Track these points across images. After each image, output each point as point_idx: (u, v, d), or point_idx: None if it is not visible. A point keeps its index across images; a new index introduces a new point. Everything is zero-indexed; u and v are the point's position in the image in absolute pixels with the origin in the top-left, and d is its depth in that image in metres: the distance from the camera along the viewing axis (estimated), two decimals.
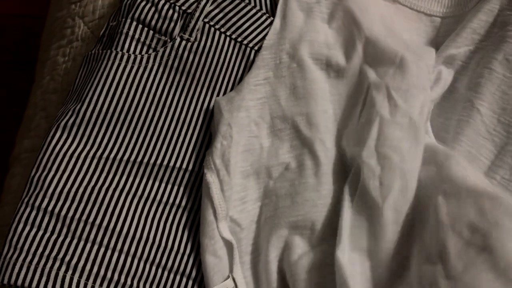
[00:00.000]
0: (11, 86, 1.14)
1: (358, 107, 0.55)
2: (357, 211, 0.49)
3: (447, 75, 0.58)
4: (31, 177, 0.47)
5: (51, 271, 0.43)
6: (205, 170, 0.50)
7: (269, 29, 0.57)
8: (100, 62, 0.52)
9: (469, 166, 0.50)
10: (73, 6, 0.70)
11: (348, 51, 0.57)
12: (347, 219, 0.49)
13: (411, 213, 0.49)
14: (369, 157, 0.49)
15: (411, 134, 0.50)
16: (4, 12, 1.20)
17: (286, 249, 0.49)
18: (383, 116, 0.51)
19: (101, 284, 0.44)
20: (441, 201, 0.46)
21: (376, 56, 0.56)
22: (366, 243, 0.48)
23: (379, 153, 0.50)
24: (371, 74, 0.55)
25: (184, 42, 0.54)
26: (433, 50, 0.58)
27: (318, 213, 0.51)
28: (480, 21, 0.58)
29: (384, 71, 0.54)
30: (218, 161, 0.49)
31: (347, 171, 0.54)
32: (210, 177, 0.49)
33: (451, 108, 0.58)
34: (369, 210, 0.49)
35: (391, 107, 0.51)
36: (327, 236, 0.51)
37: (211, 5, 0.56)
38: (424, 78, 0.54)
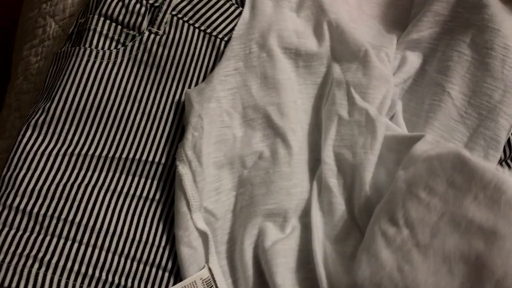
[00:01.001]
0: None
1: (324, 99, 0.56)
2: (322, 208, 0.52)
3: (414, 58, 0.58)
4: (2, 176, 0.47)
5: (24, 269, 0.42)
6: (177, 162, 0.49)
7: (238, 19, 0.57)
8: (69, 59, 0.52)
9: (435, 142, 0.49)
10: (44, 5, 0.69)
11: (317, 40, 0.57)
12: (316, 216, 0.51)
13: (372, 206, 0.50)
14: (328, 157, 0.52)
15: (368, 129, 0.52)
16: (6, 15, 1.21)
17: (260, 235, 0.49)
18: (341, 116, 0.53)
19: (75, 280, 0.44)
20: (400, 173, 0.47)
21: (342, 49, 0.56)
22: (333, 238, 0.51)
23: (335, 153, 0.52)
24: (336, 69, 0.56)
25: (152, 36, 0.54)
26: (394, 38, 0.59)
27: (291, 202, 0.51)
28: (441, 3, 0.58)
29: (347, 67, 0.55)
30: (189, 153, 0.49)
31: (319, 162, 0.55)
32: (183, 169, 0.49)
33: (423, 92, 0.58)
34: (330, 205, 0.51)
35: (350, 105, 0.53)
36: (298, 223, 0.52)
37: None
38: (386, 69, 0.55)
